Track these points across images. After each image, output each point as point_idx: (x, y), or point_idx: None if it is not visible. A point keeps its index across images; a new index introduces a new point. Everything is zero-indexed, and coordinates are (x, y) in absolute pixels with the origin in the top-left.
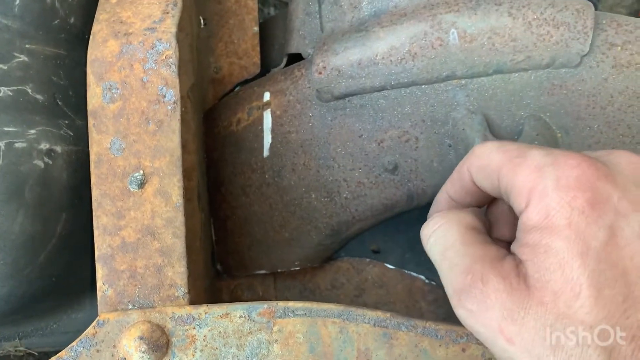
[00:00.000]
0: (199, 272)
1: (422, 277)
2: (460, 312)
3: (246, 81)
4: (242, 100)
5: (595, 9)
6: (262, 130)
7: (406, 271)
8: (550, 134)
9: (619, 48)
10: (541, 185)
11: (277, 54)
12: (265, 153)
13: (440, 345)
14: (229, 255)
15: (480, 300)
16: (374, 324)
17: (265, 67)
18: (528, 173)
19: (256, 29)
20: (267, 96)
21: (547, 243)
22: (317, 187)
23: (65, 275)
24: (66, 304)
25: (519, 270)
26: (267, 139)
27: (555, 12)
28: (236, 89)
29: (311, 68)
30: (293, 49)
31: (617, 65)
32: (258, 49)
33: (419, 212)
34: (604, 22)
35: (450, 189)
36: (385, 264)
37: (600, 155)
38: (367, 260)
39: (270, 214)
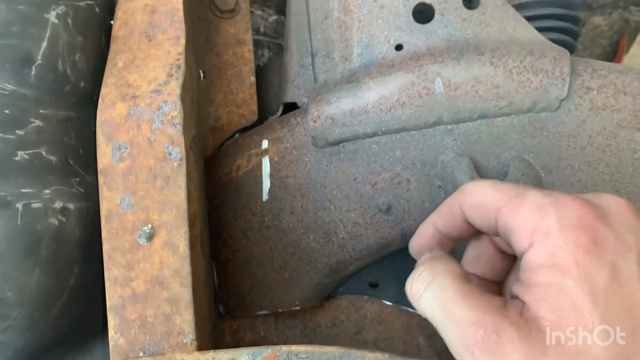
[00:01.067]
0: (203, 316)
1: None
2: None
3: (244, 129)
4: (241, 147)
5: (573, 48)
6: (261, 176)
7: (403, 307)
8: (534, 174)
9: (595, 92)
10: (544, 225)
11: (272, 101)
12: (265, 197)
13: None
14: (230, 297)
15: (497, 353)
16: None
17: (262, 114)
18: (529, 212)
19: (253, 79)
20: (265, 144)
21: (558, 282)
22: (315, 229)
23: (77, 325)
24: (77, 351)
25: (525, 315)
26: (266, 184)
27: (534, 60)
28: (235, 136)
29: (306, 117)
30: (289, 98)
31: (594, 107)
32: (255, 98)
33: None
34: (580, 67)
35: (438, 223)
36: (383, 301)
37: (590, 198)
38: (365, 297)
39: (271, 255)
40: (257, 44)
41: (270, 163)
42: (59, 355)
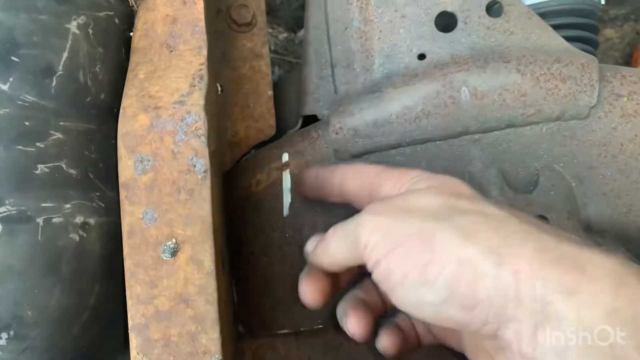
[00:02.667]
0: (226, 337)
1: None
2: None
3: (262, 143)
4: (260, 162)
5: (595, 56)
6: (281, 190)
7: None
8: (565, 184)
9: (625, 99)
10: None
11: (289, 116)
12: (285, 212)
13: None
14: (250, 316)
15: None
16: None
17: (279, 129)
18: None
19: (270, 92)
20: (285, 157)
21: None
22: None
23: (97, 345)
24: None
25: None
26: (287, 198)
27: (562, 67)
28: (252, 151)
29: (328, 129)
30: (309, 111)
31: (625, 115)
32: (273, 111)
33: None
34: (608, 74)
35: (320, 174)
36: None
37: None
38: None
39: (292, 272)
40: None
41: (291, 177)
42: None
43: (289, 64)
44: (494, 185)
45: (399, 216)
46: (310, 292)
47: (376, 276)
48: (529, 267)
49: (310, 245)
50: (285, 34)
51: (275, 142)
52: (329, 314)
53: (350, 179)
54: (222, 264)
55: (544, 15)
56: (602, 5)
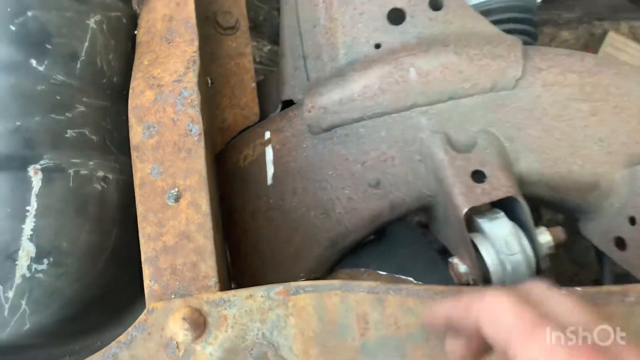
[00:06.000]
0: (222, 269)
1: (411, 278)
2: None
3: (248, 128)
4: (247, 140)
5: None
6: (265, 163)
7: (396, 275)
8: (499, 144)
9: (545, 71)
10: None
11: (271, 109)
12: (269, 182)
13: (421, 302)
14: (243, 274)
15: None
16: (368, 292)
17: (263, 117)
18: (540, 351)
19: (254, 85)
20: (267, 134)
21: None
22: (315, 207)
23: (113, 288)
24: (110, 320)
25: None
26: (270, 169)
27: (492, 47)
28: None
29: (302, 109)
30: (286, 96)
31: (546, 84)
32: (257, 101)
33: (406, 234)
34: (530, 52)
35: (453, 314)
36: (378, 272)
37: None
38: (362, 269)
39: (277, 234)
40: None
41: (273, 151)
42: (95, 323)
43: (271, 62)
44: (440, 148)
45: None
46: None
47: None
48: None
49: None
50: (269, 47)
51: (259, 123)
52: (310, 269)
53: (486, 326)
54: (216, 229)
55: (488, 12)
56: (539, 3)
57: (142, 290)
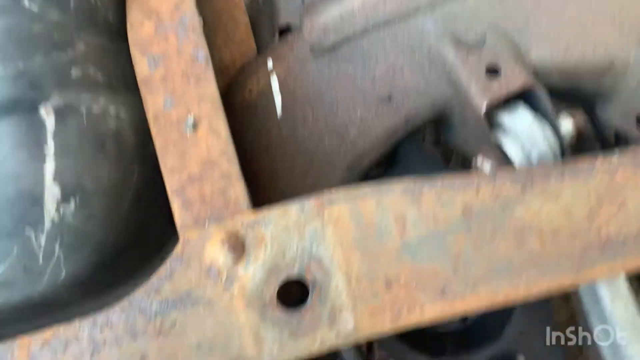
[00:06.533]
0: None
1: None
2: None
3: None
4: (248, 72)
5: None
6: (272, 93)
7: None
8: (509, 38)
9: None
10: None
11: (268, 42)
12: (279, 112)
13: (458, 194)
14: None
15: None
16: (402, 192)
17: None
18: None
19: (247, 19)
20: (270, 63)
21: None
22: (328, 133)
23: (141, 232)
24: (137, 270)
25: None
26: (278, 99)
27: None
28: None
29: (302, 31)
30: (282, 22)
31: None
32: (252, 36)
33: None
34: None
35: None
36: None
37: None
38: None
39: (292, 167)
40: None
41: (278, 80)
42: (123, 273)
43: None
44: (450, 50)
45: None
46: None
47: None
48: None
49: None
50: None
51: (258, 55)
52: None
53: None
54: None
55: None
56: None
57: (172, 232)
